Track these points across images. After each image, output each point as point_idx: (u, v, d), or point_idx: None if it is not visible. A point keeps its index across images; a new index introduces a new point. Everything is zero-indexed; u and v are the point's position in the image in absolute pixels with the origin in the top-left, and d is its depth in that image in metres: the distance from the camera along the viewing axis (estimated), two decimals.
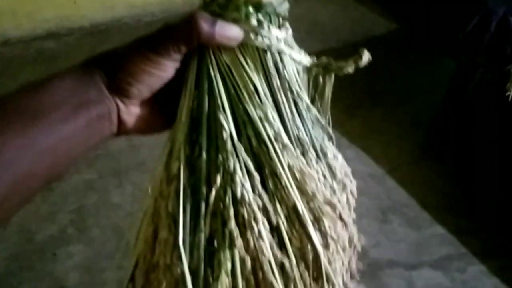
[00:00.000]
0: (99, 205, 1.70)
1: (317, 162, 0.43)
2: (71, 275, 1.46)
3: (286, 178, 0.41)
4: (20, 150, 0.35)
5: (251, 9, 0.42)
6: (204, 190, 0.40)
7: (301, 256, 0.41)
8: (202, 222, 0.40)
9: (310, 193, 0.41)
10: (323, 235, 0.41)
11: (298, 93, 0.44)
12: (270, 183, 0.41)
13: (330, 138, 0.47)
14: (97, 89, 0.39)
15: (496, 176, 1.64)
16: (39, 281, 1.44)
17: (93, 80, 0.39)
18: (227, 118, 0.41)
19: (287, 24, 0.45)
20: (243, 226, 0.39)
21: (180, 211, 0.40)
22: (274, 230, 0.40)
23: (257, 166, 0.41)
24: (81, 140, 0.39)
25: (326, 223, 0.41)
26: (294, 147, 0.42)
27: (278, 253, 0.40)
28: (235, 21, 0.42)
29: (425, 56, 2.44)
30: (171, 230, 0.40)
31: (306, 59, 0.46)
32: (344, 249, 0.44)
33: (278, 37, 0.43)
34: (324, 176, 0.44)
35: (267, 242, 0.39)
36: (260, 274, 0.39)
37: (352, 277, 0.46)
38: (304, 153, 0.43)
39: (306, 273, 0.41)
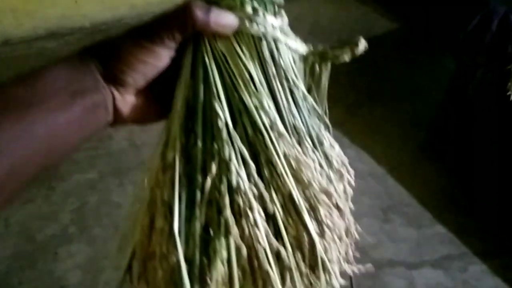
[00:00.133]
0: (100, 205, 1.70)
1: (313, 151, 0.43)
2: (72, 274, 1.46)
3: (282, 167, 0.41)
4: (15, 137, 0.35)
5: None
6: (199, 178, 0.40)
7: (297, 245, 0.41)
8: (197, 210, 0.40)
9: (306, 181, 0.41)
10: (319, 223, 0.41)
11: (294, 82, 0.44)
12: (266, 172, 0.41)
13: (326, 127, 0.46)
14: (92, 78, 0.39)
15: (496, 176, 1.63)
16: (40, 280, 1.44)
17: (88, 69, 0.39)
18: (223, 107, 0.41)
19: (283, 12, 0.45)
20: (239, 214, 0.39)
21: (176, 200, 0.40)
22: (270, 218, 0.40)
23: (252, 155, 0.41)
24: (77, 128, 0.39)
25: (322, 211, 0.41)
26: (290, 135, 0.42)
27: (274, 242, 0.40)
28: (230, 8, 0.42)
29: (426, 55, 2.44)
30: (166, 219, 0.40)
31: (302, 47, 0.46)
32: (340, 238, 0.43)
33: (274, 25, 0.43)
34: (321, 165, 0.43)
35: (262, 231, 0.39)
36: (256, 263, 0.39)
37: (349, 266, 0.46)
38: (300, 142, 0.43)
39: (302, 262, 0.41)
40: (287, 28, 0.45)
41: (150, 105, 0.44)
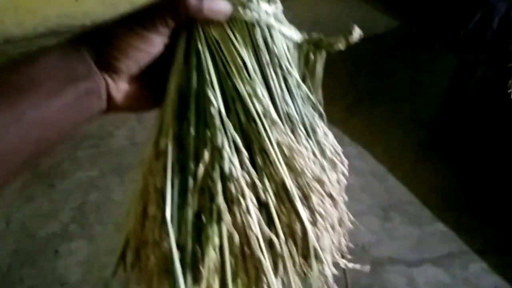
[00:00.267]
0: (101, 202, 1.70)
1: (306, 140, 0.43)
2: (73, 272, 1.46)
3: (275, 155, 0.40)
4: (6, 123, 0.35)
5: None
6: (192, 165, 0.40)
7: (290, 233, 0.41)
8: (190, 197, 0.40)
9: (298, 169, 0.41)
10: (312, 211, 0.41)
11: (287, 69, 0.43)
12: (259, 159, 0.41)
13: (320, 116, 0.46)
14: (85, 64, 0.39)
15: (497, 173, 1.63)
16: (41, 278, 1.44)
17: (81, 56, 0.39)
18: (216, 94, 0.41)
19: None
20: (231, 201, 0.39)
21: (168, 187, 0.40)
22: (263, 206, 0.40)
23: (245, 142, 0.41)
24: (70, 115, 0.39)
25: (315, 199, 0.41)
26: (283, 123, 0.42)
27: (266, 230, 0.39)
28: None
29: (426, 54, 2.43)
30: (159, 206, 0.40)
31: (296, 35, 0.46)
32: (333, 227, 0.43)
33: (267, 11, 0.43)
34: (314, 154, 0.43)
35: (255, 218, 0.39)
36: (248, 250, 0.39)
37: (342, 258, 0.46)
38: (293, 130, 0.43)
39: (295, 250, 0.41)
40: (281, 15, 0.45)
41: (143, 92, 0.44)
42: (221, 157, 0.40)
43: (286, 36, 0.44)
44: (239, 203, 0.39)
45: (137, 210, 0.43)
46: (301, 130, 0.43)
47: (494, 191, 1.64)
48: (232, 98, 0.41)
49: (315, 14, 2.83)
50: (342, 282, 0.47)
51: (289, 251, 0.40)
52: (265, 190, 0.40)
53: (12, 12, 2.49)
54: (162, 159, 0.41)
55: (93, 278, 1.43)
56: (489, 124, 1.69)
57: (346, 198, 0.46)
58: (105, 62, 0.40)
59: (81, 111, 0.40)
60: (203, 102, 0.41)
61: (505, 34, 1.60)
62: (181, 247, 0.39)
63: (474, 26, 1.64)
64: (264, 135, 0.41)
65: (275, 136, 0.41)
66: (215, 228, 0.39)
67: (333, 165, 0.45)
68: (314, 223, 0.41)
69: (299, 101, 0.44)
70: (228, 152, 0.40)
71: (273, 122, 0.41)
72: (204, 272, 0.38)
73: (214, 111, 0.41)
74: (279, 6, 0.45)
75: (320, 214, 0.41)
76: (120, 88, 0.42)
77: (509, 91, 1.48)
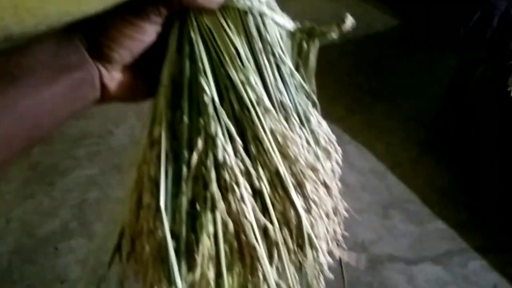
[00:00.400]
0: (101, 200, 1.70)
1: (300, 128, 0.43)
2: (73, 269, 1.46)
3: (269, 142, 0.41)
4: None
5: None
6: (186, 154, 0.40)
7: (284, 221, 0.41)
8: (184, 186, 0.40)
9: (292, 157, 0.41)
10: (306, 199, 0.41)
11: (281, 57, 0.43)
12: (253, 148, 0.41)
13: (314, 105, 0.46)
14: (78, 54, 0.39)
15: (496, 172, 1.63)
16: (41, 276, 1.44)
17: (74, 45, 0.39)
18: (209, 82, 0.41)
19: None
20: (225, 189, 0.39)
21: (162, 175, 0.40)
22: (257, 194, 0.40)
23: (239, 131, 0.41)
24: (63, 104, 0.39)
25: (308, 187, 0.41)
26: (276, 111, 0.42)
27: (261, 217, 0.40)
28: None
29: (427, 52, 2.43)
30: (153, 195, 0.40)
31: (289, 23, 0.46)
32: (327, 215, 0.43)
33: None
34: (308, 142, 0.43)
35: (249, 206, 0.39)
36: (243, 238, 0.39)
37: (337, 246, 0.46)
38: (287, 118, 0.43)
39: (289, 238, 0.41)
40: (274, 3, 0.45)
41: (137, 82, 0.44)
42: (214, 145, 0.40)
43: (279, 24, 0.45)
44: (233, 191, 0.39)
45: (132, 199, 0.43)
46: (294, 118, 0.43)
47: (494, 189, 1.64)
48: (226, 86, 0.42)
49: (315, 13, 2.83)
50: (339, 273, 0.48)
51: (284, 238, 0.40)
52: (259, 177, 0.40)
53: (12, 10, 2.49)
54: (156, 148, 0.41)
55: (93, 276, 1.43)
56: (489, 123, 1.68)
57: (340, 185, 0.46)
58: (98, 51, 0.40)
59: (75, 100, 0.40)
60: (196, 91, 0.41)
61: (505, 32, 1.60)
62: (175, 236, 0.39)
63: (474, 24, 1.64)
64: (258, 123, 0.41)
65: (268, 124, 0.41)
66: (209, 216, 0.39)
67: (327, 154, 0.45)
68: (308, 210, 0.41)
69: (293, 90, 0.44)
70: (221, 140, 0.40)
71: (266, 110, 0.41)
72: (199, 260, 0.38)
73: (207, 99, 0.41)
74: None
75: (314, 202, 0.41)
76: (114, 77, 0.42)
77: (509, 89, 1.48)
